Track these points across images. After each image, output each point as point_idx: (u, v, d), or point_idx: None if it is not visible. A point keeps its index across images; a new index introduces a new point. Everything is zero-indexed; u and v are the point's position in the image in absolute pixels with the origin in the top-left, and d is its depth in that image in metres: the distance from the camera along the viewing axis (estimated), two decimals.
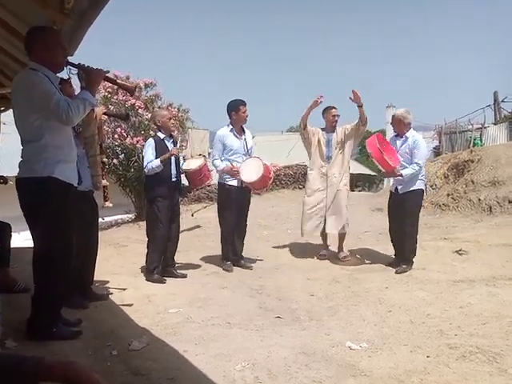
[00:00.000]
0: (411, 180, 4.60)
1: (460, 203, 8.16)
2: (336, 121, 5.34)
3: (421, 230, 6.84)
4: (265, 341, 2.81)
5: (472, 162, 9.09)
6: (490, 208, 7.47)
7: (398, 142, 4.77)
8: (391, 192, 5.00)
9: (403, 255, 4.69)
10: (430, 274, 4.35)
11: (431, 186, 9.68)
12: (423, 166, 4.69)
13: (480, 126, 17.46)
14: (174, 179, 4.50)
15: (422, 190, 4.78)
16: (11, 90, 2.76)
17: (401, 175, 4.53)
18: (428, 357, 2.54)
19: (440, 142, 18.63)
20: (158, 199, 4.41)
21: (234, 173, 4.77)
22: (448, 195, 8.70)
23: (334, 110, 5.35)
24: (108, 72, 2.83)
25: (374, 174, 32.28)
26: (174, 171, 4.49)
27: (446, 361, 2.48)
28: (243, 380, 2.29)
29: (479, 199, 7.81)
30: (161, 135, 4.52)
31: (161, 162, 4.33)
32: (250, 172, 4.74)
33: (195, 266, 5.10)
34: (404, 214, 4.67)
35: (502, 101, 19.03)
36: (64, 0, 2.74)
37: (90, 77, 2.65)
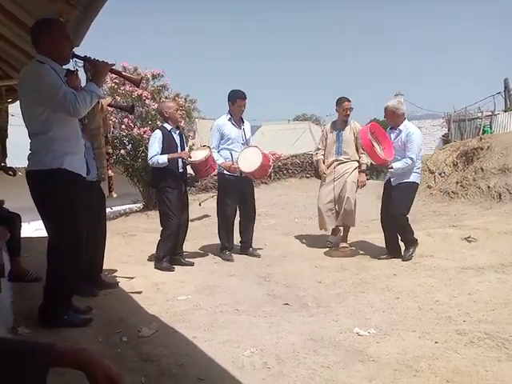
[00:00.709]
0: (405, 173, 4.47)
1: (469, 191, 8.10)
2: (348, 114, 5.19)
3: (429, 218, 6.87)
4: (273, 327, 2.83)
5: (481, 149, 8.99)
6: (500, 195, 7.41)
7: (392, 135, 4.61)
8: (385, 184, 4.82)
9: (396, 245, 4.65)
10: (438, 261, 4.34)
11: (440, 174, 9.61)
12: (418, 160, 4.54)
13: (490, 113, 17.21)
14: (180, 170, 4.53)
15: (415, 183, 4.59)
16: (18, 82, 2.77)
17: (391, 168, 4.42)
18: (436, 343, 2.54)
19: (449, 130, 18.42)
20: (167, 189, 4.44)
21: (231, 169, 4.78)
22: (457, 183, 8.64)
23: (346, 102, 5.18)
24: (114, 65, 2.85)
25: None
26: (180, 162, 4.51)
27: (454, 346, 2.48)
28: (252, 365, 2.32)
29: (488, 186, 7.74)
30: (168, 126, 4.51)
31: (168, 160, 4.35)
32: (249, 162, 4.71)
33: (203, 254, 5.14)
34: (394, 202, 4.52)
35: None
36: None
37: (97, 69, 2.67)
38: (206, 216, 8.15)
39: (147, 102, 8.01)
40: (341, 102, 5.19)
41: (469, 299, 3.27)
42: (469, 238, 5.02)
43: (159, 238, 4.55)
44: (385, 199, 4.72)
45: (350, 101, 5.19)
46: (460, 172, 9.03)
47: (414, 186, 4.57)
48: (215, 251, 5.25)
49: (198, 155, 4.66)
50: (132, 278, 4.03)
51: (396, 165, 4.41)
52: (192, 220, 7.83)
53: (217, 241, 5.58)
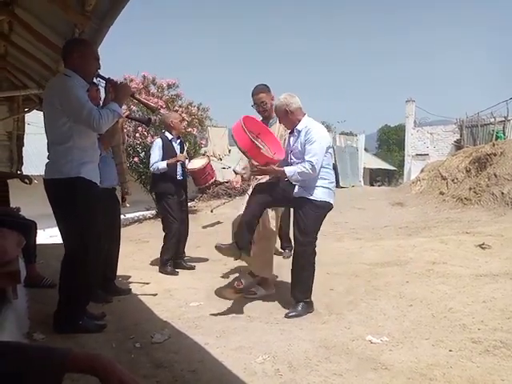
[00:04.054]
0: (310, 185, 3.29)
1: (482, 197, 8.00)
2: (265, 110, 3.81)
3: (442, 224, 6.80)
4: (285, 334, 2.83)
5: (495, 155, 8.90)
6: None
7: (292, 140, 3.42)
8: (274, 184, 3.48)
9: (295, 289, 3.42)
10: (451, 268, 4.28)
11: (452, 180, 9.53)
12: (326, 169, 3.33)
13: (503, 118, 17.03)
14: (179, 177, 4.72)
15: (324, 202, 3.31)
16: (45, 92, 2.87)
17: (282, 171, 3.25)
18: (450, 351, 2.50)
19: (461, 136, 18.27)
20: (168, 196, 4.64)
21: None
22: (470, 189, 8.55)
23: (256, 95, 3.82)
24: (134, 92, 3.14)
25: (393, 168, 31.98)
26: (179, 170, 4.73)
27: (469, 355, 2.43)
28: (264, 372, 2.31)
29: (502, 193, 7.65)
30: (169, 135, 4.78)
31: (167, 165, 4.55)
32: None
33: (215, 261, 5.15)
34: (295, 226, 3.36)
35: None
36: (85, 2, 2.81)
37: (119, 91, 2.81)
38: (219, 223, 8.18)
39: (161, 110, 8.13)
40: (253, 93, 3.83)
41: (483, 307, 3.22)
42: (483, 244, 4.96)
43: (162, 243, 4.71)
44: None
45: (265, 91, 3.80)
46: (473, 178, 8.94)
47: (321, 206, 3.31)
48: (227, 257, 5.27)
49: (196, 163, 4.85)
50: (145, 284, 4.07)
51: (289, 168, 3.25)
52: (205, 227, 7.89)
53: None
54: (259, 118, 3.83)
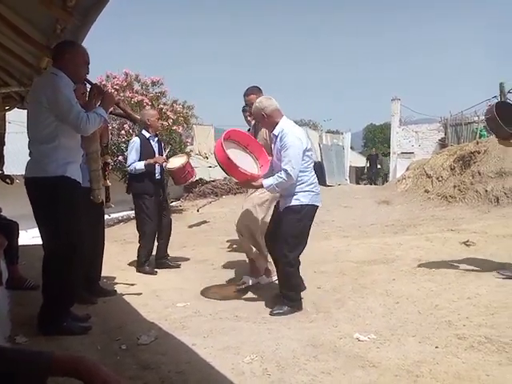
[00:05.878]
0: (289, 193, 3.27)
1: (467, 195, 8.11)
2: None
3: (427, 222, 6.87)
4: (272, 333, 2.82)
5: (478, 153, 9.03)
6: (498, 199, 7.43)
7: (274, 145, 3.39)
8: (275, 207, 3.63)
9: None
10: (437, 265, 4.33)
11: (437, 178, 9.64)
12: (305, 173, 3.27)
13: None
14: (158, 177, 4.67)
15: (304, 205, 3.26)
16: (32, 90, 2.86)
17: (261, 186, 3.29)
18: (437, 347, 2.53)
19: (445, 134, 18.52)
20: (144, 196, 4.59)
21: None
22: (454, 187, 8.66)
23: (248, 96, 3.98)
24: (119, 101, 3.26)
25: (378, 167, 32.24)
26: (157, 169, 4.67)
27: (454, 351, 2.46)
28: (252, 372, 2.30)
29: (486, 190, 7.76)
30: (146, 134, 4.71)
31: (145, 165, 4.50)
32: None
33: (201, 261, 5.13)
34: (280, 235, 3.31)
35: (509, 91, 18.79)
36: None
37: (105, 99, 2.85)
38: (205, 222, 8.14)
39: (147, 108, 8.05)
40: (244, 94, 4.04)
41: (468, 303, 3.26)
42: (467, 242, 5.02)
43: (138, 245, 4.70)
44: (272, 224, 3.55)
45: (256, 93, 3.88)
46: (457, 176, 9.06)
47: (302, 210, 3.26)
48: (214, 257, 5.24)
49: (175, 162, 4.82)
50: (131, 285, 4.02)
51: (267, 181, 3.23)
52: (191, 226, 7.85)
53: (215, 247, 5.59)
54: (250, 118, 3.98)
